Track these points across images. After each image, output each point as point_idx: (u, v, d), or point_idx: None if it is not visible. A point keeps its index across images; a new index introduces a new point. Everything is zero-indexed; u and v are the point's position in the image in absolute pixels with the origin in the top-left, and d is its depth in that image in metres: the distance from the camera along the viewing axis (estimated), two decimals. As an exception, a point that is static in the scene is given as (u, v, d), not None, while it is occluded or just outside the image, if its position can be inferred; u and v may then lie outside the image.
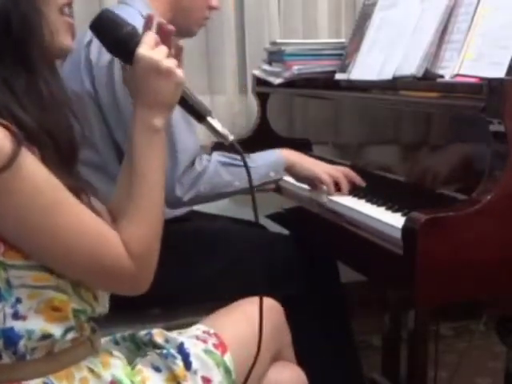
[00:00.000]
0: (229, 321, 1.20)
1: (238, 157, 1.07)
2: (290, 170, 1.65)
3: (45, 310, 0.93)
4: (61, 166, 0.92)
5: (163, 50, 1.01)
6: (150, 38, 1.01)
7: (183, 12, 1.72)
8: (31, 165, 0.86)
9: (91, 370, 0.99)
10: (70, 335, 0.97)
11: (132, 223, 0.98)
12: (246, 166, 1.06)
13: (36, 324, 0.93)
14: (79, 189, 0.95)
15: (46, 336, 0.94)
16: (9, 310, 0.91)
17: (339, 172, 1.61)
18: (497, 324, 1.49)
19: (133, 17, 1.53)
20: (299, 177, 1.66)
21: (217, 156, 1.58)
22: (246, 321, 1.17)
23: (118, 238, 0.95)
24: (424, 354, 1.82)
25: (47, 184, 0.88)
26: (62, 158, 0.93)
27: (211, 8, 1.79)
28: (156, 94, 0.99)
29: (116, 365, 1.03)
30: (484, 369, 2.19)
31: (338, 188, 1.60)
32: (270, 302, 1.22)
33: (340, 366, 1.70)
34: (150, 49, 0.99)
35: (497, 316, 1.51)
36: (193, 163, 1.51)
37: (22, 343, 0.92)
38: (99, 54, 1.51)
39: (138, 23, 1.53)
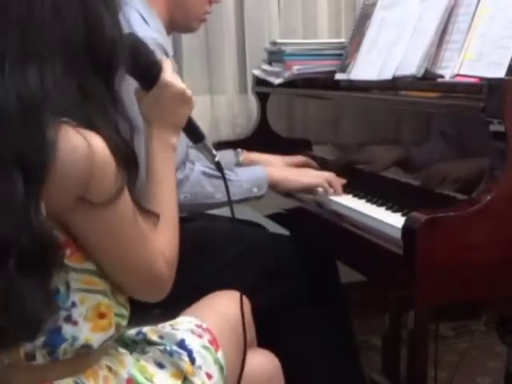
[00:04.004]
0: (211, 316, 1.21)
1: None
2: (276, 188, 1.64)
3: (93, 317, 0.95)
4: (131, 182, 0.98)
5: (178, 77, 1.12)
6: (169, 64, 1.11)
7: (181, 9, 1.71)
8: None
9: (109, 369, 1.01)
10: (106, 343, 0.99)
11: (162, 232, 1.04)
12: (226, 186, 1.19)
13: (82, 332, 0.95)
14: (136, 204, 1.00)
15: (87, 346, 0.95)
16: (63, 313, 0.93)
17: (328, 175, 1.62)
18: (497, 324, 1.49)
19: (132, 16, 1.54)
20: (289, 192, 1.66)
21: (200, 166, 1.55)
22: (223, 316, 1.21)
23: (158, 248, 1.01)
24: (424, 354, 1.81)
25: (128, 199, 0.95)
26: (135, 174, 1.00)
27: (212, 2, 1.78)
28: (175, 116, 1.12)
29: (129, 362, 1.05)
30: (484, 369, 2.19)
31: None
32: (238, 296, 1.22)
33: (340, 366, 1.70)
34: (172, 76, 1.10)
35: (497, 316, 1.51)
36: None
37: (62, 347, 0.94)
38: None
39: (137, 21, 1.54)
